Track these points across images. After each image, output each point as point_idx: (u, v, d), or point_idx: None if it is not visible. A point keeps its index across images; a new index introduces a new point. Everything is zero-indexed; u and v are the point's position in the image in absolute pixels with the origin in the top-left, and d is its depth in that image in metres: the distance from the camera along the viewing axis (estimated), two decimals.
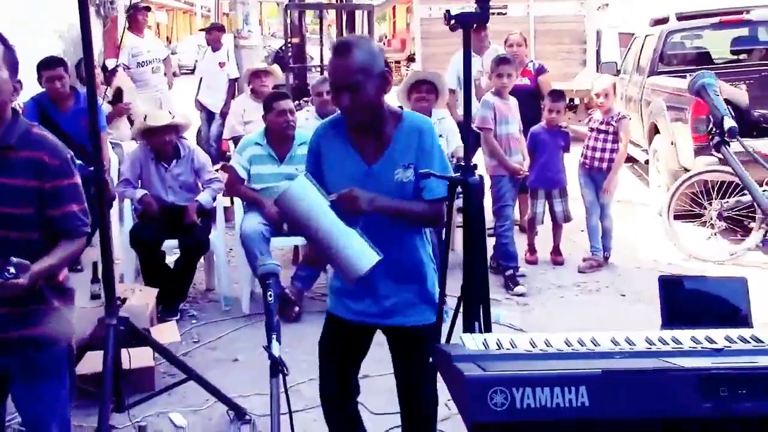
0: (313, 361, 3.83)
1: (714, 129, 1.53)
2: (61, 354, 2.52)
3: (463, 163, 2.45)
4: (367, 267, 2.35)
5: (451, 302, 2.78)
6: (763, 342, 1.88)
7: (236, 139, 6.74)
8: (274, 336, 2.05)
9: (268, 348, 2.03)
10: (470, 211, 2.44)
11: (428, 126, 2.56)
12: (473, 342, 1.87)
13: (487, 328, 2.46)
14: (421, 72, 5.77)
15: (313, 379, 3.70)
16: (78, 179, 2.43)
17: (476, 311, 2.47)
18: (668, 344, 1.87)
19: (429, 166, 2.48)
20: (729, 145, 1.55)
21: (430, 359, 2.33)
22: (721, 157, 6.13)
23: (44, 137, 2.39)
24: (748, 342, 1.88)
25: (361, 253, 2.34)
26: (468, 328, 2.45)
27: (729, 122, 1.48)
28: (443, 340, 2.57)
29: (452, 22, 2.42)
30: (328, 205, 2.34)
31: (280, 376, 2.02)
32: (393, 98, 4.96)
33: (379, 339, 4.34)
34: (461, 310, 2.54)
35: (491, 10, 2.59)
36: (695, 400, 1.56)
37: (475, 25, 2.72)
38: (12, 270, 2.10)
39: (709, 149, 6.35)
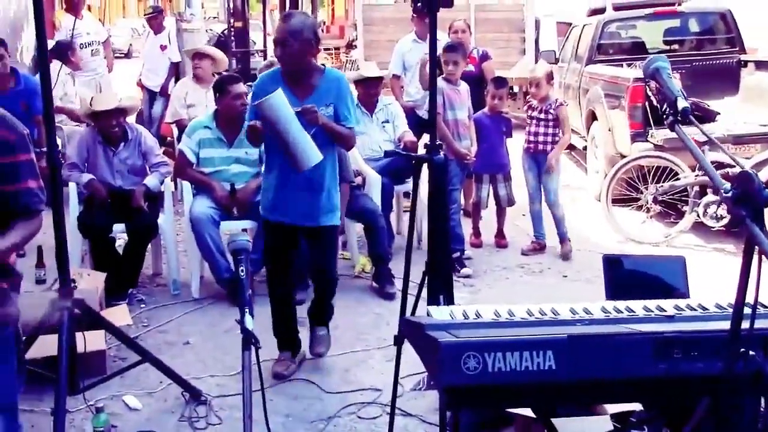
0: (263, 340, 3.89)
1: (668, 109, 1.63)
2: (8, 339, 2.43)
3: (428, 143, 2.51)
4: (314, 161, 3.45)
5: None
6: (708, 309, 2.02)
7: (178, 123, 6.69)
8: (247, 310, 2.08)
9: (241, 321, 2.06)
10: (435, 189, 2.51)
11: (344, 78, 3.79)
12: (440, 313, 1.96)
13: (450, 302, 2.55)
14: (369, 71, 5.87)
15: (265, 360, 3.76)
16: (34, 156, 2.39)
17: (440, 285, 2.56)
18: (623, 312, 1.99)
19: (344, 105, 3.65)
20: (681, 126, 1.64)
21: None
22: (657, 143, 6.42)
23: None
24: (696, 310, 2.02)
25: (312, 150, 3.43)
26: (433, 302, 2.53)
27: (682, 103, 1.57)
28: (408, 313, 2.65)
29: (419, 4, 2.48)
30: (294, 113, 3.37)
31: (252, 349, 2.05)
32: None
33: (332, 321, 4.43)
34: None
35: None
36: (652, 361, 1.67)
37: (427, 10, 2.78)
38: None
39: (645, 135, 6.63)
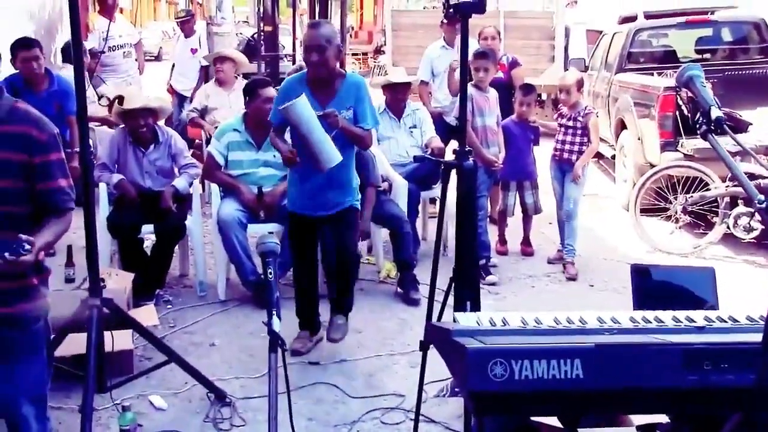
0: (290, 344, 3.92)
1: (701, 118, 1.62)
2: (39, 332, 2.49)
3: (458, 149, 2.50)
4: (334, 161, 3.70)
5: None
6: (739, 321, 1.99)
7: (196, 123, 6.84)
8: (274, 312, 2.09)
9: (268, 323, 2.07)
10: (463, 194, 2.50)
11: (364, 83, 4.01)
12: (467, 320, 1.95)
13: (477, 309, 2.54)
14: (396, 76, 5.92)
15: (291, 363, 3.79)
16: (63, 155, 2.44)
17: (467, 292, 2.55)
18: (652, 322, 1.97)
19: (363, 109, 3.88)
20: (714, 135, 1.63)
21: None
22: (687, 153, 6.36)
23: (30, 112, 2.39)
24: (726, 321, 1.99)
25: (332, 151, 3.69)
26: (459, 309, 2.52)
27: (716, 112, 1.56)
28: (434, 319, 2.65)
29: (450, 11, 2.48)
30: (316, 117, 3.63)
31: (279, 351, 2.06)
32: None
33: (356, 326, 4.45)
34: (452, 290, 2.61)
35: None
36: (681, 372, 1.65)
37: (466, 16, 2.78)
38: (27, 246, 2.06)
39: (675, 145, 6.57)
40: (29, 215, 2.37)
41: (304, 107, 3.62)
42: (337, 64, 3.91)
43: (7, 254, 2.03)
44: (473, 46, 5.93)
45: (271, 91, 4.91)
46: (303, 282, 4.24)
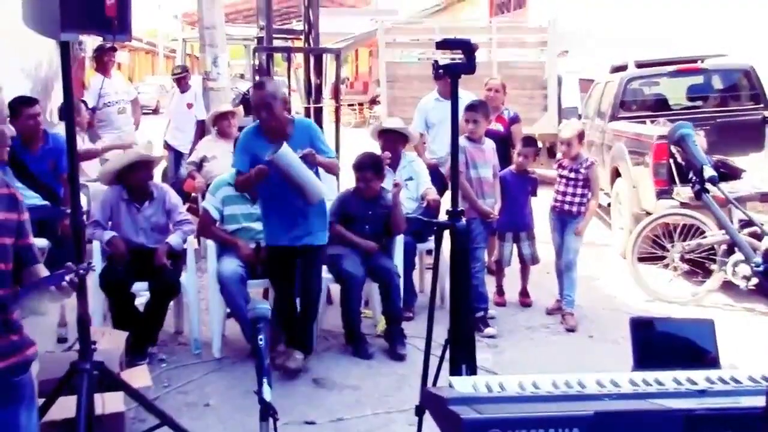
0: (281, 407, 3.82)
1: (694, 177, 1.62)
2: (30, 380, 2.43)
3: (450, 209, 2.48)
4: (323, 194, 4.35)
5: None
6: (741, 383, 1.95)
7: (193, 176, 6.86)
8: (265, 380, 2.04)
9: (259, 392, 2.02)
10: (457, 255, 2.47)
11: (312, 123, 4.89)
12: (463, 385, 1.90)
13: (473, 371, 2.49)
14: (390, 123, 5.96)
15: (286, 424, 3.72)
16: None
17: (462, 354, 2.50)
18: (652, 385, 1.92)
19: (320, 143, 4.46)
20: (709, 192, 1.63)
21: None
22: (682, 200, 6.36)
23: None
24: (728, 383, 1.94)
25: (319, 185, 4.34)
26: (455, 371, 2.47)
27: (709, 171, 1.56)
28: (430, 383, 2.60)
29: (440, 71, 2.48)
30: (300, 158, 4.16)
31: (270, 420, 2.00)
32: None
33: (354, 382, 4.38)
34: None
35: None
36: None
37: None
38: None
39: (670, 192, 6.57)
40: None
41: (289, 153, 4.10)
42: (285, 112, 4.48)
43: None
44: (467, 97, 5.98)
45: None
46: (285, 310, 4.60)
